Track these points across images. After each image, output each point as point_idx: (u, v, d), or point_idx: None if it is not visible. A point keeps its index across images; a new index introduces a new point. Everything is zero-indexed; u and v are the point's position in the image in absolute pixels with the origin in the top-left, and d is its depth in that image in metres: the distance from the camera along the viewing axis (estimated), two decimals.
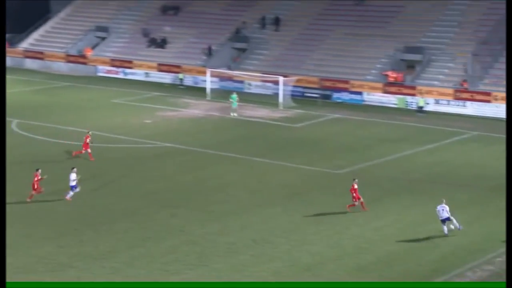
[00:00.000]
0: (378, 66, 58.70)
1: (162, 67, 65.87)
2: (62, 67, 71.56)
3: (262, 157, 41.09)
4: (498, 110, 51.93)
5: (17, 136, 45.48)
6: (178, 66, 64.91)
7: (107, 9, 75.88)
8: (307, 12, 66.76)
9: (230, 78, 61.24)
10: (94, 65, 69.63)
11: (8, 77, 59.88)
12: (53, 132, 46.01)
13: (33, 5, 77.32)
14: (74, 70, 70.42)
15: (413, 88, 55.43)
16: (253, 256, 27.60)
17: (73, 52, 71.97)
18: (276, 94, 56.76)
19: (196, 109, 55.30)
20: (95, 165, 39.37)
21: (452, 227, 29.51)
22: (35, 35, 76.06)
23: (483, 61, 55.58)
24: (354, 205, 31.97)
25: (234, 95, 52.62)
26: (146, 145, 43.94)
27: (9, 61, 71.22)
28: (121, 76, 67.60)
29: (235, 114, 51.78)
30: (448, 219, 29.34)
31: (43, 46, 73.81)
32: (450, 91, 54.13)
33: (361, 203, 31.98)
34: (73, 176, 33.19)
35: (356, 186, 32.05)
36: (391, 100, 55.86)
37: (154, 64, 66.37)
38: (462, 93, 53.55)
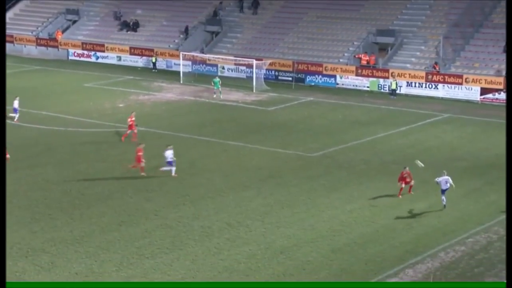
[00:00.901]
0: (351, 49, 58.85)
1: (135, 51, 65.38)
2: (32, 50, 70.72)
3: (236, 141, 41.09)
4: (469, 92, 52.44)
5: None
6: (150, 50, 64.48)
7: None
8: None
9: (203, 62, 61.02)
10: (66, 49, 68.90)
11: None
12: (24, 117, 45.51)
13: None
14: (45, 53, 69.64)
15: (386, 71, 55.70)
16: (228, 240, 27.67)
17: (44, 35, 71.14)
18: (250, 78, 56.71)
19: (169, 92, 55.06)
20: (68, 150, 39.10)
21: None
22: None
23: (454, 44, 56.00)
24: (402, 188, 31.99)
25: (217, 79, 52.91)
26: (119, 129, 43.67)
27: None
28: (93, 59, 67.00)
29: (221, 96, 52.05)
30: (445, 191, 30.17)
31: (13, 29, 72.74)
32: (422, 73, 54.50)
33: (410, 186, 32.15)
34: (168, 153, 34.23)
35: (405, 175, 31.96)
36: (364, 83, 56.11)
37: (126, 48, 65.85)
38: (434, 75, 53.95)
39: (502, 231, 28.55)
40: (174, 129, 43.53)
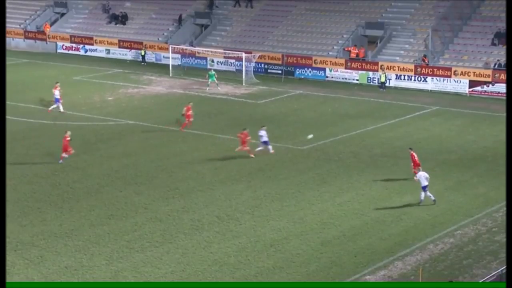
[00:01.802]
0: (340, 42, 58.87)
1: (124, 44, 65.15)
2: (20, 43, 70.34)
3: (225, 134, 41.08)
4: (458, 85, 52.60)
5: None
6: (139, 43, 64.27)
7: None
8: None
9: (192, 55, 60.89)
10: (54, 42, 68.57)
11: None
12: (12, 110, 45.27)
13: None
14: (33, 46, 69.29)
15: (375, 64, 55.76)
16: (218, 233, 27.70)
17: (32, 28, 70.76)
18: (239, 71, 56.64)
19: (158, 86, 54.94)
20: (57, 144, 38.96)
21: (423, 196, 30.39)
22: None
23: (443, 37, 56.13)
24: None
25: (212, 72, 53.03)
26: (109, 123, 43.57)
27: None
28: (81, 52, 66.72)
29: (219, 88, 52.36)
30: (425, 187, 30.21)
31: None
32: (411, 66, 54.60)
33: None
34: (263, 132, 36.75)
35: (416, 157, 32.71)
36: (353, 76, 56.16)
37: (115, 41, 65.59)
38: (422, 68, 54.06)
39: (491, 223, 28.74)
40: (163, 122, 43.45)
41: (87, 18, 70.34)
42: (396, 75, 54.68)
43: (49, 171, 34.37)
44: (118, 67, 61.25)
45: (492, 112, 46.71)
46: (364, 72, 55.88)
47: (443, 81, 53.14)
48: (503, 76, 50.64)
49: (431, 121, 44.98)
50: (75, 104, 48.12)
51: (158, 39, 64.62)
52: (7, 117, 43.91)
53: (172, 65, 58.76)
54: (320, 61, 57.41)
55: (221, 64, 60.14)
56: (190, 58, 60.98)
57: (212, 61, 60.39)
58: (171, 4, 68.16)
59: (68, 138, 35.37)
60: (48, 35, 69.06)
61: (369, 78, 55.57)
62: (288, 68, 57.97)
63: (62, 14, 71.54)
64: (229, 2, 66.18)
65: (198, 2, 67.23)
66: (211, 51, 59.91)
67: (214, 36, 63.86)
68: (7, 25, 71.54)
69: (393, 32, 58.23)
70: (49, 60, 64.02)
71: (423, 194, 30.42)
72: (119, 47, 65.21)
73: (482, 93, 51.80)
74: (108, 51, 65.58)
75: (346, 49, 57.74)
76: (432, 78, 53.54)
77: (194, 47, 61.53)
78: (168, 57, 59.55)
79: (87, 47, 66.63)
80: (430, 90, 53.26)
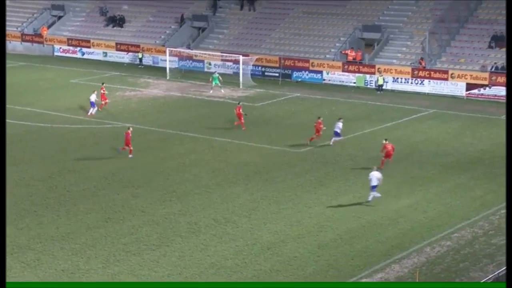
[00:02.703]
0: (338, 45, 58.91)
1: (121, 47, 65.13)
2: (17, 46, 70.28)
3: (222, 137, 41.07)
4: (455, 88, 52.63)
5: None
6: (137, 46, 64.25)
7: None
8: None
9: (190, 58, 60.90)
10: (51, 45, 68.54)
11: None
12: (9, 113, 45.18)
13: None
14: (30, 49, 69.24)
15: (372, 66, 55.80)
16: (215, 236, 27.68)
17: (29, 31, 70.72)
18: (236, 74, 56.65)
19: (155, 88, 54.93)
20: (54, 147, 38.95)
21: (372, 196, 30.48)
22: None
23: (440, 39, 56.19)
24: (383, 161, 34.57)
25: (216, 75, 52.87)
26: (106, 126, 43.54)
27: None
28: (78, 55, 66.69)
29: (222, 91, 52.25)
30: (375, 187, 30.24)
31: None
32: (408, 69, 54.65)
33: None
34: (340, 124, 38.62)
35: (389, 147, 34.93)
36: (350, 78, 56.19)
37: (113, 44, 65.58)
38: (420, 71, 54.11)
39: (487, 226, 28.76)
40: (161, 125, 43.45)
41: (84, 21, 70.32)
42: (393, 78, 54.68)
43: (46, 174, 34.32)
44: (115, 70, 61.22)
45: (489, 115, 46.75)
46: (361, 75, 55.91)
47: (440, 84, 53.18)
48: (500, 79, 50.74)
49: (428, 124, 45.01)
50: (72, 107, 48.03)
51: (156, 42, 64.62)
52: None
53: (170, 68, 58.76)
54: (317, 64, 57.44)
55: (218, 67, 60.11)
56: (188, 61, 60.98)
57: (210, 63, 60.36)
58: (168, 7, 68.17)
59: (130, 135, 36.80)
60: (45, 38, 69.03)
61: (366, 81, 55.62)
62: (285, 71, 57.99)
63: (59, 17, 71.52)
64: (232, 5, 66.11)
65: (195, 4, 67.27)
66: (209, 54, 59.92)
67: (212, 39, 63.88)
68: None
69: (390, 35, 58.29)
70: (46, 63, 63.97)
71: (374, 193, 30.46)
72: (117, 50, 65.17)
73: (479, 96, 51.87)
74: (105, 54, 65.56)
75: (343, 52, 57.79)
76: (429, 81, 53.58)
77: (192, 50, 61.54)
78: (166, 60, 59.53)
79: (84, 50, 66.62)
80: (427, 93, 53.31)
